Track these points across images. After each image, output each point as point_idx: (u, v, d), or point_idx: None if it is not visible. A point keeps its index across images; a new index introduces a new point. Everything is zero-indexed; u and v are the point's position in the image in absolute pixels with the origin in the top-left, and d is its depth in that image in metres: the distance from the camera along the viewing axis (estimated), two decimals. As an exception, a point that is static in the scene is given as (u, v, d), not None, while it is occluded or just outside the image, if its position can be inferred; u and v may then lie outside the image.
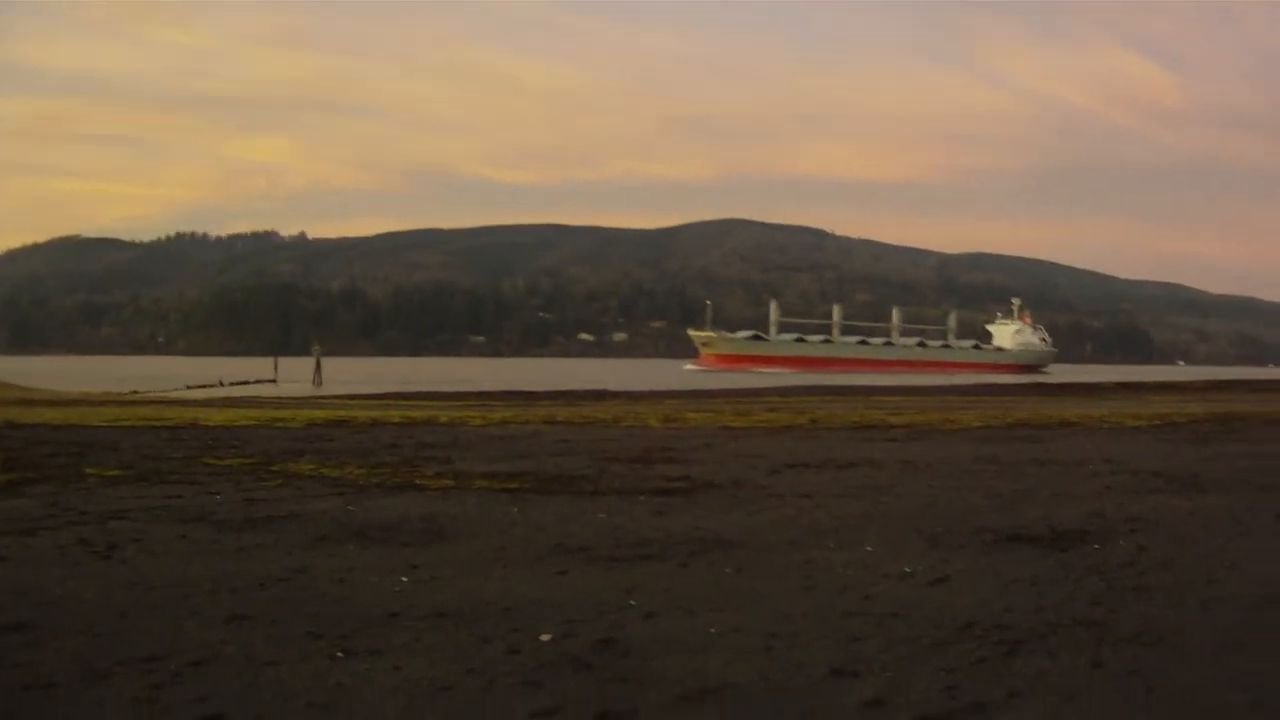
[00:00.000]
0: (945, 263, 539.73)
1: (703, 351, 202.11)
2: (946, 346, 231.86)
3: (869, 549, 11.30)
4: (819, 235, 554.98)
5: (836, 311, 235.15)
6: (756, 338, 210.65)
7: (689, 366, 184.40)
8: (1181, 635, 8.02)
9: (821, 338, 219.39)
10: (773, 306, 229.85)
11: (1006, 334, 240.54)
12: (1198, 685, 6.89)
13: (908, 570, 10.22)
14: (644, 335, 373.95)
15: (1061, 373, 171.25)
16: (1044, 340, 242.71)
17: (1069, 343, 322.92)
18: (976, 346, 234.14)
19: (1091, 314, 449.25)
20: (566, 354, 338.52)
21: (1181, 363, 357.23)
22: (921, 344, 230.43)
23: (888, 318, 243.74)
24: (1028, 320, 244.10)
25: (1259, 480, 17.78)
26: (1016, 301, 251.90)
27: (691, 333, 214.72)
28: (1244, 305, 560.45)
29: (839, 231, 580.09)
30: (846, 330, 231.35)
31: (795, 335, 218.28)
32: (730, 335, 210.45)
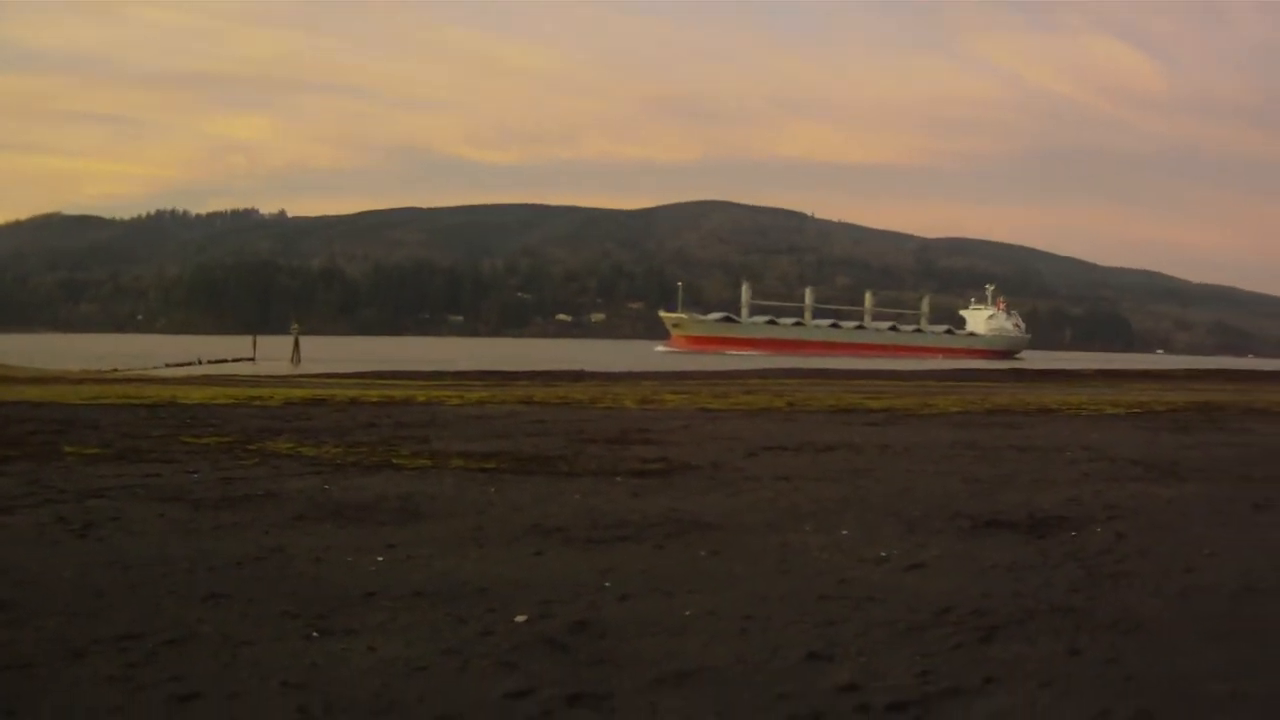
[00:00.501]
0: (925, 247, 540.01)
1: (673, 333, 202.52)
2: (919, 331, 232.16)
3: (846, 533, 11.31)
4: (799, 218, 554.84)
5: (809, 294, 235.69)
6: (727, 320, 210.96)
7: (659, 348, 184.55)
8: (1160, 623, 8.03)
9: (793, 320, 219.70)
10: (744, 289, 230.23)
11: (980, 319, 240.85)
12: (1177, 674, 6.90)
13: (884, 555, 10.23)
14: (622, 316, 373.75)
15: (1037, 359, 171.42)
16: (1018, 326, 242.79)
17: (1048, 329, 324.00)
18: (949, 331, 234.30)
19: (1072, 300, 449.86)
20: (544, 334, 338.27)
21: (1161, 351, 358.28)
22: (894, 328, 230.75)
23: (875, 302, 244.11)
24: (1002, 306, 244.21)
25: (1238, 469, 17.82)
26: (990, 287, 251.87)
27: (663, 314, 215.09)
28: (1225, 295, 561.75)
29: (819, 214, 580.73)
30: (820, 313, 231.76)
31: (767, 318, 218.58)
32: (701, 317, 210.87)
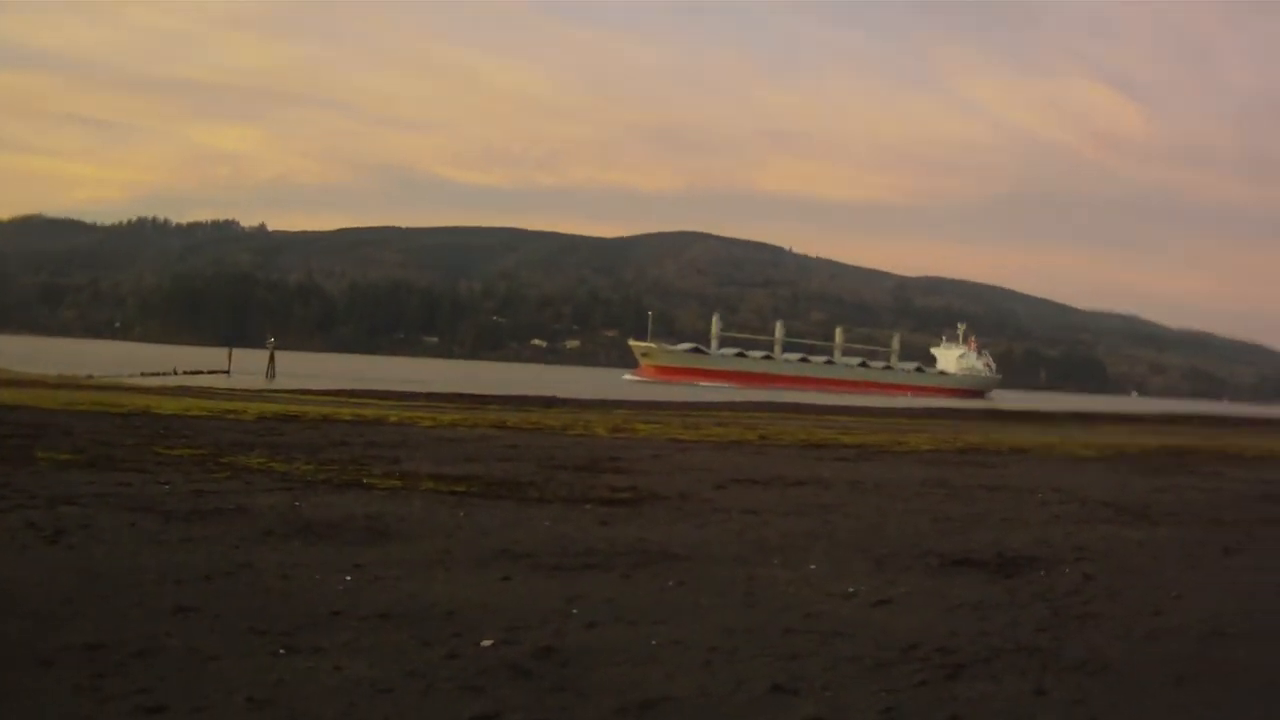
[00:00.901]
0: (903, 285, 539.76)
1: (642, 362, 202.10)
2: (889, 368, 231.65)
3: (814, 567, 11.32)
4: (777, 252, 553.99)
5: (779, 328, 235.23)
6: (696, 351, 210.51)
7: (628, 376, 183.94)
8: (1127, 665, 8.07)
9: (762, 354, 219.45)
10: (714, 320, 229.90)
11: (951, 358, 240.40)
12: (1142, 716, 6.95)
13: (852, 590, 10.23)
14: (597, 343, 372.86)
15: (1009, 399, 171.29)
16: (989, 365, 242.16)
17: (1022, 370, 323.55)
18: (920, 369, 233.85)
19: (1047, 342, 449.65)
20: (519, 359, 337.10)
21: (1135, 394, 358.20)
22: (864, 364, 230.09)
23: (847, 338, 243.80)
24: (974, 345, 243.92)
25: (1209, 514, 17.95)
26: (962, 326, 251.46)
27: (632, 343, 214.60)
28: (1200, 341, 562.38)
29: (797, 249, 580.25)
30: (791, 347, 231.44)
31: (736, 350, 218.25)
32: (670, 347, 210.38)
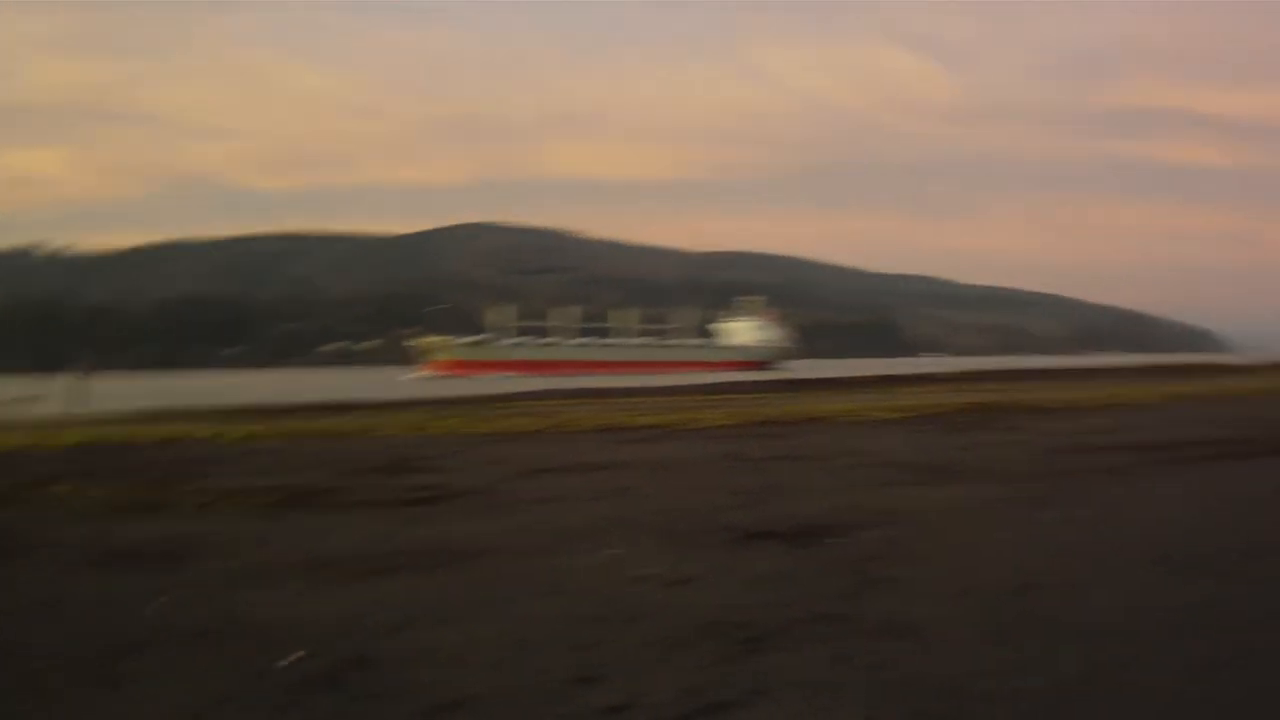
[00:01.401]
0: (699, 262, 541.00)
1: (430, 358, 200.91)
2: (678, 346, 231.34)
3: (615, 551, 11.44)
4: (568, 238, 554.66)
5: (566, 314, 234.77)
6: (483, 343, 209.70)
7: (415, 375, 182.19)
8: (935, 626, 8.24)
9: (548, 340, 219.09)
10: (501, 310, 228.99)
11: (742, 330, 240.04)
12: (953, 675, 7.12)
13: (652, 572, 10.35)
14: (394, 343, 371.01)
15: (806, 369, 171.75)
16: (782, 336, 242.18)
17: (822, 338, 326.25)
18: (710, 345, 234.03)
19: (846, 309, 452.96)
20: (320, 363, 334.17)
21: (936, 355, 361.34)
22: (653, 343, 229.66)
23: (637, 318, 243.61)
24: (767, 316, 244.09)
25: (1013, 468, 18.38)
26: (754, 298, 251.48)
27: (419, 341, 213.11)
28: (1005, 297, 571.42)
29: (590, 233, 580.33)
30: (586, 332, 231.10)
31: (521, 339, 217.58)
32: (457, 341, 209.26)
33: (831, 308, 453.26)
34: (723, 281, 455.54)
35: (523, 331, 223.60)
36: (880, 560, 10.65)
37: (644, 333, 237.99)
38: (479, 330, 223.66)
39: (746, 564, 10.66)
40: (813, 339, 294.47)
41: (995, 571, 10.11)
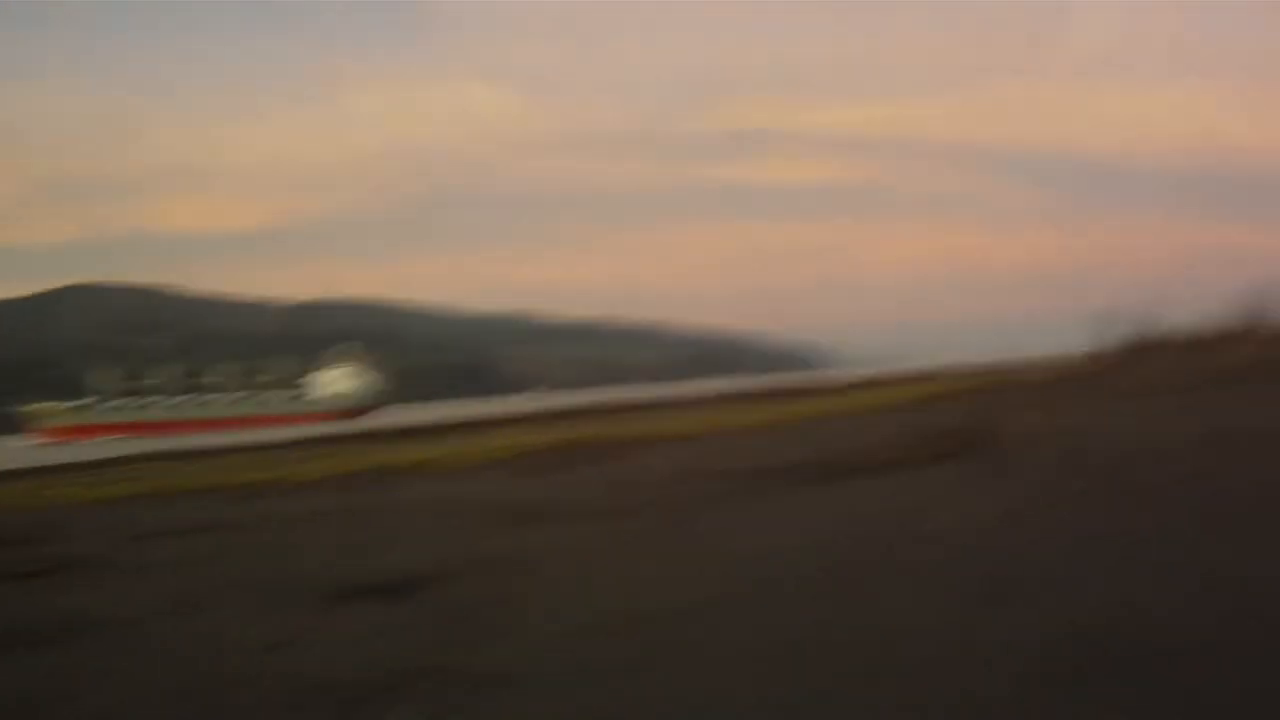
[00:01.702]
0: (299, 312, 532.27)
1: (35, 425, 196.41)
2: (266, 400, 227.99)
3: (220, 616, 11.46)
4: (170, 295, 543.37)
5: (166, 373, 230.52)
6: (84, 407, 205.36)
7: (26, 442, 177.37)
8: (530, 670, 8.40)
9: (146, 401, 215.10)
10: (105, 373, 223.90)
11: (332, 380, 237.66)
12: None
13: (253, 636, 10.33)
14: (7, 414, 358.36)
15: (396, 416, 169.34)
16: (372, 384, 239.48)
17: (420, 382, 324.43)
18: (298, 396, 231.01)
19: (446, 350, 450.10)
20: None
21: (534, 392, 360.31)
22: (241, 399, 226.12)
23: (235, 374, 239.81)
24: (357, 363, 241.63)
25: (609, 505, 18.44)
26: (347, 345, 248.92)
27: (24, 408, 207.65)
28: (601, 330, 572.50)
29: (193, 288, 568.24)
30: (185, 389, 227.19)
31: (121, 401, 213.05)
32: (60, 406, 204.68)
33: (430, 350, 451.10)
34: (323, 330, 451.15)
35: (125, 393, 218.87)
36: (481, 608, 10.75)
37: (240, 387, 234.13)
38: (87, 394, 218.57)
39: (346, 621, 10.74)
40: (410, 383, 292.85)
41: (585, 613, 10.24)
